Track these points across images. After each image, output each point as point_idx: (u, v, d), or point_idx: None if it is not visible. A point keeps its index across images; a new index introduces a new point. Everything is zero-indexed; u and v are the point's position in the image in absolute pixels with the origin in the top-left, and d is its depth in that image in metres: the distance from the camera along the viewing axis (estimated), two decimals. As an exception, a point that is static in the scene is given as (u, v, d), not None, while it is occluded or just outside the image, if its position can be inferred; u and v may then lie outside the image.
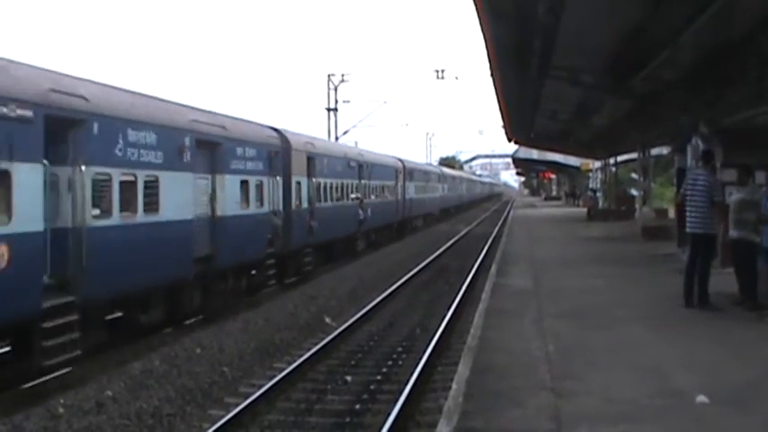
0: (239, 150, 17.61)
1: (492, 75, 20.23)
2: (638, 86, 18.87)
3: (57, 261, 11.20)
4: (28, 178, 10.35)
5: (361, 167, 30.96)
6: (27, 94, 10.51)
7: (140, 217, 13.27)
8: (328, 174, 25.56)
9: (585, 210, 46.45)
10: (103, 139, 12.21)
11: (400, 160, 42.34)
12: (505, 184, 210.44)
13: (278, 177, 20.12)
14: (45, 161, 10.82)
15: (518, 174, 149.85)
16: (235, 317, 16.70)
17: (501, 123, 40.12)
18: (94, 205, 11.96)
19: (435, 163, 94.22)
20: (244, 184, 17.82)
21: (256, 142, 18.84)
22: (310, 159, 23.31)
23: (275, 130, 21.41)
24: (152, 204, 13.64)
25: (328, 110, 46.74)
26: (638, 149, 35.20)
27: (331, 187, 25.87)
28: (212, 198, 16.38)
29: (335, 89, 46.64)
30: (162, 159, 13.92)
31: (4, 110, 10.00)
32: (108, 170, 12.34)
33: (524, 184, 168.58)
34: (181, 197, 14.67)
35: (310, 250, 23.06)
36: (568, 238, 28.50)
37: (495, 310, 12.63)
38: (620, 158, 47.11)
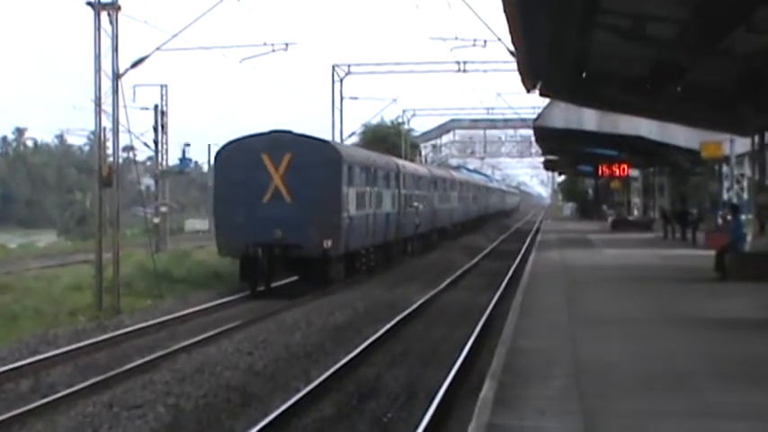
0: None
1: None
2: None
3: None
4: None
5: None
6: (336, 154, 29.12)
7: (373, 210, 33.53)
8: None
9: (713, 254, 24.81)
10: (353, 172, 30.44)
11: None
12: (519, 189, 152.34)
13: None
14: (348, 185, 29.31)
15: (546, 167, 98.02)
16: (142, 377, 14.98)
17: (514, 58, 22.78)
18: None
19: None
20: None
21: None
22: None
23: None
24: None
25: (335, 105, 47.94)
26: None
27: None
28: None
29: (341, 81, 48.74)
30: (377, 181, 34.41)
31: (345, 165, 28.64)
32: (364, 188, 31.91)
33: (562, 188, 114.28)
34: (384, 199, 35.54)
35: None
36: (671, 324, 16.04)
37: None
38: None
